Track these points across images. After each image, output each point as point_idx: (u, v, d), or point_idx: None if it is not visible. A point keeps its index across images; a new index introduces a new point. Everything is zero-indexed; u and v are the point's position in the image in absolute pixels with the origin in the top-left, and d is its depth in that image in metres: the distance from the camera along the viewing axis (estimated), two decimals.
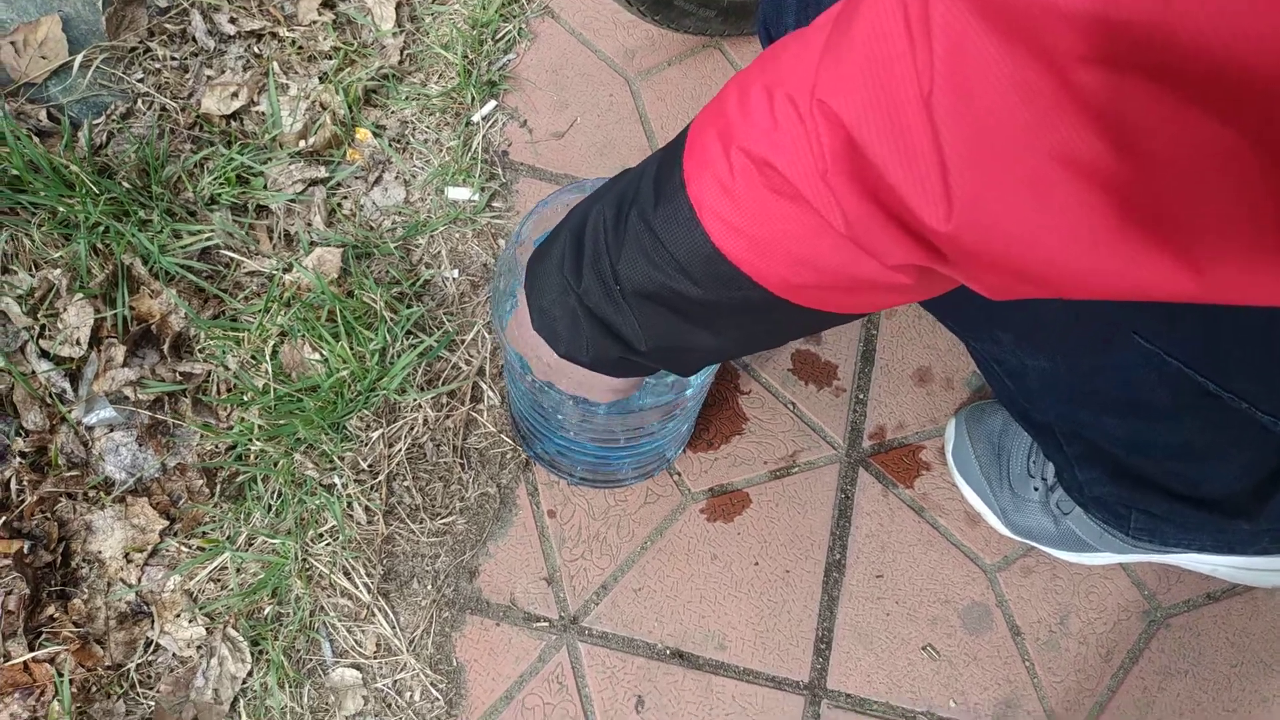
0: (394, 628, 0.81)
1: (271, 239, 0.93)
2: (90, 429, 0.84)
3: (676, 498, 0.88)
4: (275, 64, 0.99)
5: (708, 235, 0.41)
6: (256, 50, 1.00)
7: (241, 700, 0.78)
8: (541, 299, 0.51)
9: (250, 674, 0.79)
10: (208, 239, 0.91)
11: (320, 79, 0.99)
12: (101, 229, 0.88)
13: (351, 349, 0.86)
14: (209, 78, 0.98)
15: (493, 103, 1.01)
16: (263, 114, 0.98)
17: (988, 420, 0.87)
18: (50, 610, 0.79)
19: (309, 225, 0.94)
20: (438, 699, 0.80)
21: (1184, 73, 0.25)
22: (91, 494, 0.83)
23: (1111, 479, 0.71)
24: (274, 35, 1.01)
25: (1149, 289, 0.32)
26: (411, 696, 0.80)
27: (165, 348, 0.87)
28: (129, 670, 0.78)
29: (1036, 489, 0.83)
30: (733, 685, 0.82)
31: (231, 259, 0.91)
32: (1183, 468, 0.68)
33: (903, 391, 0.94)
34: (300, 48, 1.00)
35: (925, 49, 0.30)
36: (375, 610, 0.81)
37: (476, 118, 1.00)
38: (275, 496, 0.83)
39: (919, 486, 0.90)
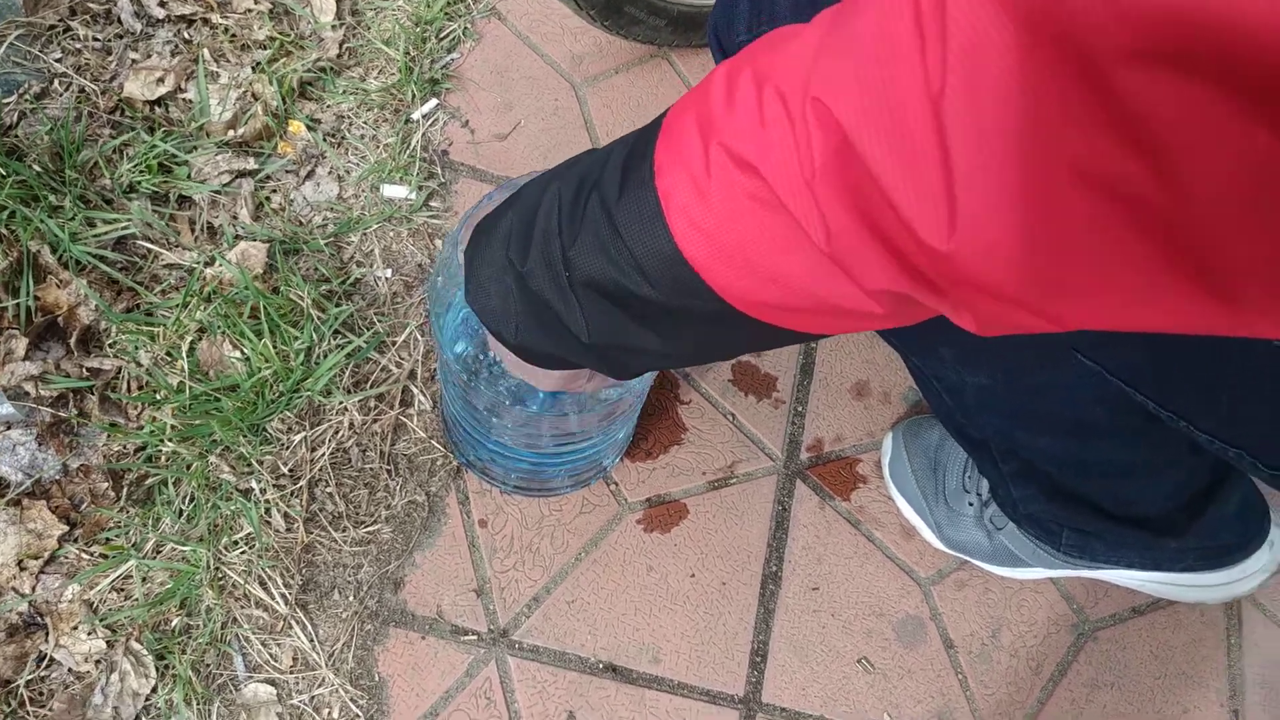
0: (312, 640, 0.77)
1: (194, 231, 0.89)
2: None
3: (613, 508, 0.87)
4: (206, 50, 0.95)
5: (671, 235, 0.38)
6: (186, 35, 0.96)
7: (144, 718, 0.73)
8: (479, 271, 0.48)
9: (154, 690, 0.74)
10: (124, 228, 0.86)
11: (253, 68, 0.96)
12: (7, 213, 0.83)
13: (275, 348, 0.82)
14: (133, 61, 0.94)
15: (434, 101, 0.99)
16: (190, 101, 0.94)
17: (925, 435, 0.88)
18: None
19: (234, 218, 0.90)
20: (358, 715, 0.76)
21: (1253, 81, 0.21)
22: None
23: (1045, 497, 0.72)
24: (206, 21, 0.97)
25: (1176, 324, 0.28)
26: (330, 713, 0.76)
27: (72, 341, 0.82)
28: (18, 687, 0.73)
29: (971, 504, 0.84)
30: (667, 699, 0.80)
31: (149, 250, 0.87)
32: (1116, 486, 0.69)
33: (841, 405, 0.95)
34: (233, 36, 0.97)
35: (937, 45, 0.27)
36: (292, 622, 0.78)
37: (417, 115, 0.98)
38: (187, 501, 0.79)
39: (855, 499, 0.91)
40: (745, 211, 0.36)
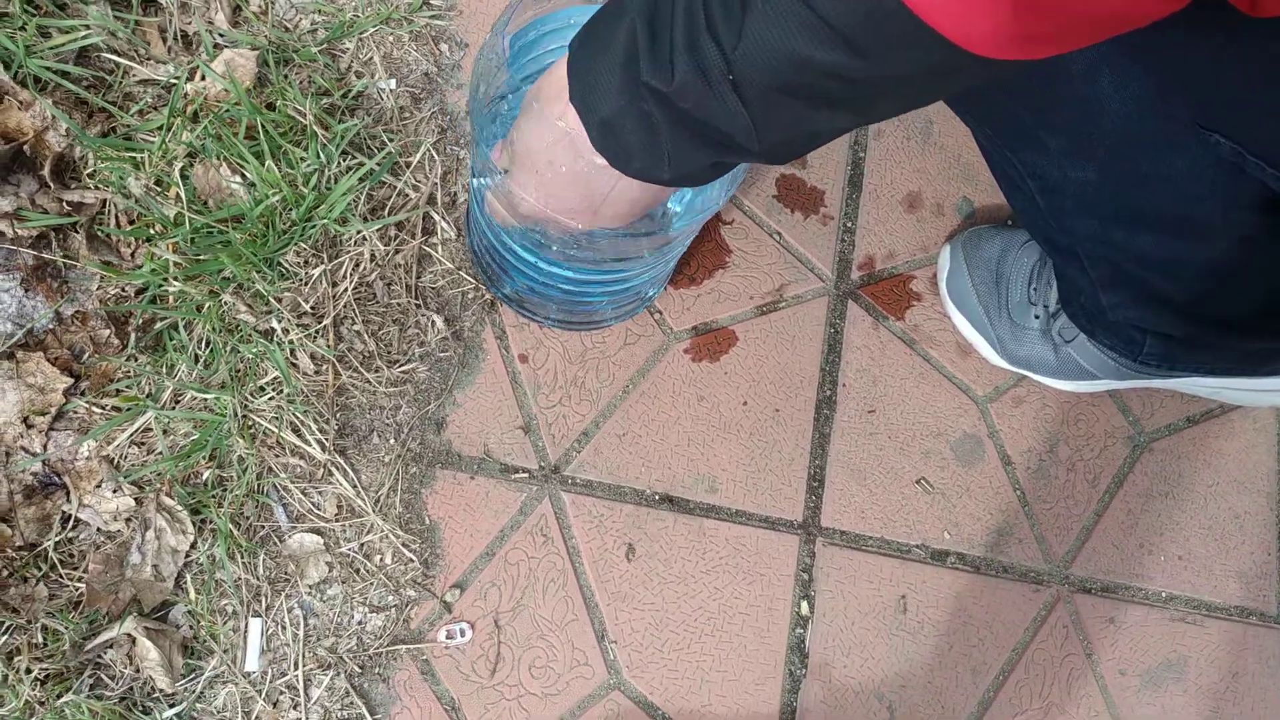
0: (355, 487, 0.74)
1: (165, 41, 0.79)
2: None
3: (659, 338, 0.83)
4: None
5: None
6: None
7: (188, 575, 0.70)
8: (600, 108, 0.41)
9: (194, 546, 0.71)
10: (84, 37, 0.75)
11: None
12: None
13: (280, 170, 0.74)
14: None
15: None
16: None
17: (986, 246, 0.84)
18: None
19: (210, 24, 0.79)
20: (411, 560, 0.74)
21: None
22: None
23: (1137, 302, 0.69)
24: None
25: None
26: (382, 559, 0.74)
27: (45, 173, 0.73)
28: (46, 550, 0.69)
29: (1037, 317, 0.81)
30: (725, 528, 0.79)
31: (117, 64, 0.76)
32: (1211, 288, 0.66)
33: (892, 218, 0.90)
34: None
35: None
36: (332, 469, 0.74)
37: None
38: (203, 346, 0.73)
39: (910, 318, 0.87)
40: None
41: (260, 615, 0.71)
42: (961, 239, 0.86)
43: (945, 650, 0.80)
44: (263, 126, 0.74)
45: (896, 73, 0.34)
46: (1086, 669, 0.82)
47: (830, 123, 0.39)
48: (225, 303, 0.73)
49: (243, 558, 0.71)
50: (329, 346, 0.74)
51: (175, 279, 0.72)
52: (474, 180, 0.69)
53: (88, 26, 0.76)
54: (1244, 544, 0.87)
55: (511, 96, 0.64)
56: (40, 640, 0.67)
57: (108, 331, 0.73)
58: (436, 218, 0.80)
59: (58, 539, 0.69)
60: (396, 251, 0.78)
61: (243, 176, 0.74)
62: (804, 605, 0.79)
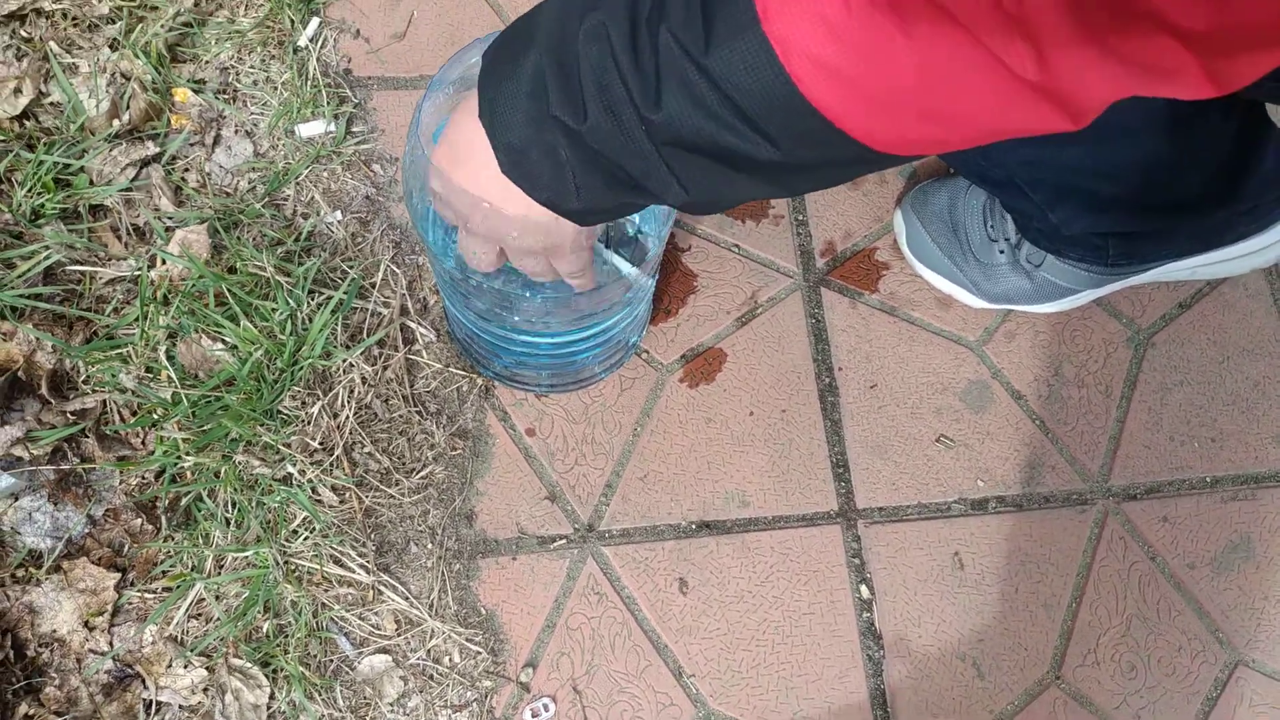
0: (407, 599, 0.78)
1: (120, 239, 0.85)
2: None
3: (652, 376, 0.87)
4: (52, 44, 0.88)
5: (795, 85, 0.34)
6: (25, 34, 0.89)
7: None
8: (508, 134, 0.42)
9: (272, 696, 0.75)
10: (46, 258, 0.82)
11: (111, 47, 0.89)
12: None
13: (256, 326, 0.79)
14: None
15: (316, 20, 0.93)
16: (58, 104, 0.88)
17: (933, 200, 0.88)
18: (24, 710, 0.72)
19: (157, 211, 0.85)
20: (479, 652, 0.78)
21: None
22: (20, 574, 0.76)
23: (1087, 211, 0.73)
24: (39, 13, 0.90)
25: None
26: (452, 660, 0.78)
27: (43, 391, 0.79)
28: None
29: (1002, 252, 0.85)
30: (767, 537, 0.83)
31: (83, 273, 0.83)
32: (1154, 178, 0.70)
33: (839, 201, 0.94)
34: (74, 19, 0.90)
35: None
36: (381, 588, 0.78)
37: (303, 41, 0.92)
38: (230, 508, 0.77)
39: (883, 287, 0.91)
40: (902, 52, 0.31)
41: None
42: (909, 200, 0.90)
43: (1012, 594, 0.83)
44: (230, 291, 0.80)
45: (810, 159, 0.37)
46: (1154, 572, 0.84)
47: (752, 191, 0.40)
48: (239, 463, 0.78)
49: (320, 695, 0.75)
50: (346, 474, 0.79)
51: (187, 454, 0.77)
52: (437, 273, 0.74)
53: (47, 247, 0.82)
54: (1271, 408, 0.89)
55: None
56: None
57: (140, 520, 0.78)
58: (413, 325, 0.85)
59: None
60: (384, 368, 0.83)
61: (224, 342, 0.79)
62: (863, 589, 0.82)
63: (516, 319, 0.67)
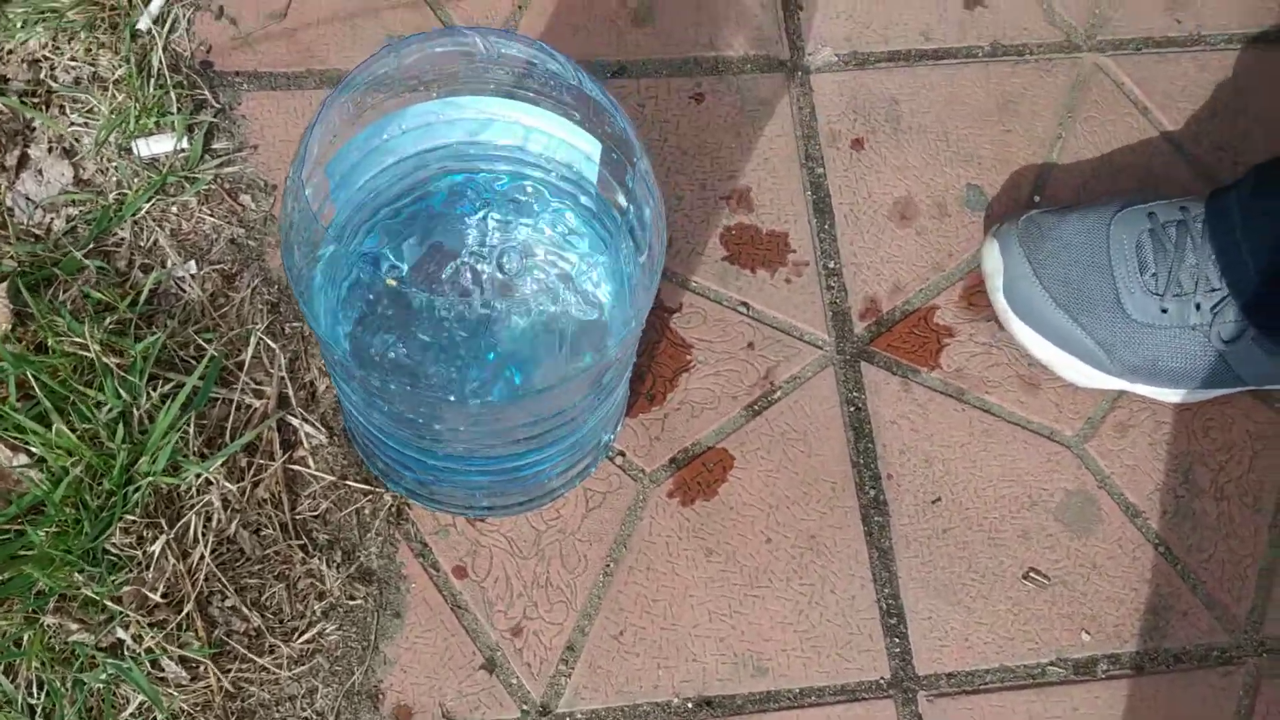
0: None
1: None
2: None
3: (630, 488, 0.85)
4: None
5: None
6: None
7: None
8: None
9: None
10: None
11: None
12: None
13: (75, 430, 0.76)
14: None
15: None
16: None
17: (1056, 231, 0.85)
18: None
19: None
20: None
21: None
22: None
23: None
24: None
25: None
26: None
27: None
28: None
29: (1165, 310, 0.83)
30: (794, 717, 0.80)
31: None
32: None
33: (884, 241, 0.93)
34: None
35: None
36: None
37: (144, 23, 0.91)
38: (36, 690, 0.74)
39: (947, 362, 0.90)
40: None
41: None
42: (1015, 231, 0.87)
43: None
44: (35, 379, 0.77)
45: None
46: None
47: None
48: (48, 626, 0.74)
49: None
50: (200, 640, 0.76)
51: None
52: (328, 362, 0.71)
53: None
54: None
55: (339, 244, 0.66)
56: None
57: None
58: (296, 422, 0.83)
59: None
60: (255, 485, 0.81)
61: (28, 453, 0.77)
62: None
63: (440, 444, 0.64)
